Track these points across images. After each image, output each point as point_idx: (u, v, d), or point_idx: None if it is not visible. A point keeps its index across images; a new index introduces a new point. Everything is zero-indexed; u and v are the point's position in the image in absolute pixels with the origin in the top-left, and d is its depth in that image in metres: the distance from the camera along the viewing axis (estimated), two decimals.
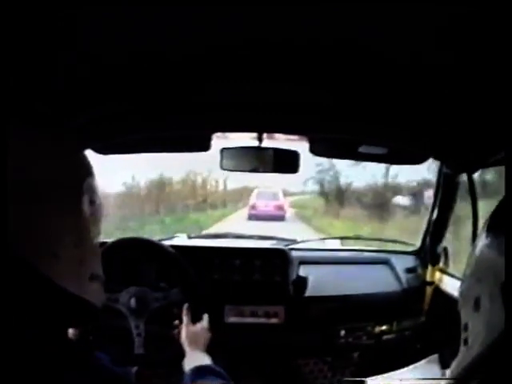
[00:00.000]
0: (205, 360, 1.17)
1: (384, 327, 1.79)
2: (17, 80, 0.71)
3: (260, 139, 1.41)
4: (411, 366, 1.46)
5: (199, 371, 1.09)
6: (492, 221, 0.63)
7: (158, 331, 1.49)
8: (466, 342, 0.63)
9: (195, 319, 1.41)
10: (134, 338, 1.44)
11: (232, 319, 1.72)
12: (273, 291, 1.75)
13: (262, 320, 1.72)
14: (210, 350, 1.28)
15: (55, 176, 0.55)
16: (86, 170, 0.61)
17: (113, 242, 1.57)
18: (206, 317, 1.43)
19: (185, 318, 1.38)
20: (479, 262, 0.63)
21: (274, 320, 1.72)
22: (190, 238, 2.07)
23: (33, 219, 0.53)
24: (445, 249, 1.84)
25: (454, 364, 0.67)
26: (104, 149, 1.37)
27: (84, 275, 0.59)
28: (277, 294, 1.74)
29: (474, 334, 0.61)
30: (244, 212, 12.47)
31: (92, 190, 0.61)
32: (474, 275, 0.63)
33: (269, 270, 1.77)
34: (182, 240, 2.02)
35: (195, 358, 1.19)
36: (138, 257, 1.64)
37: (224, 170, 1.47)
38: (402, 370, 1.44)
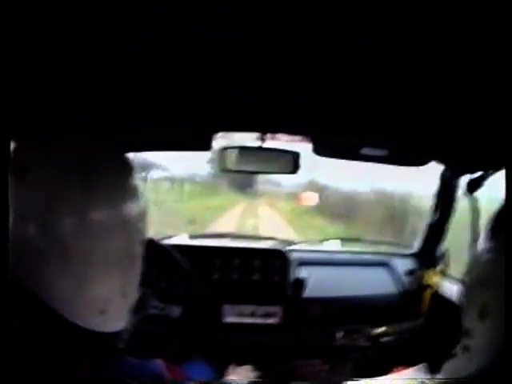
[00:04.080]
0: None
1: (382, 329, 1.79)
2: (16, 80, 0.71)
3: (262, 139, 1.41)
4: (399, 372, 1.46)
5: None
6: (494, 223, 0.62)
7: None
8: (467, 349, 0.62)
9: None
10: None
11: (230, 319, 1.72)
12: (271, 292, 1.75)
13: (261, 320, 1.72)
14: (207, 349, 1.29)
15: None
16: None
17: None
18: None
19: None
20: (483, 266, 0.61)
21: (272, 320, 1.72)
22: (190, 237, 2.07)
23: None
24: (444, 251, 1.84)
25: (448, 369, 0.65)
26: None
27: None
28: (275, 295, 1.74)
29: (478, 343, 0.60)
30: None
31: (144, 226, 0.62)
32: (477, 280, 0.62)
33: (268, 270, 1.77)
34: (182, 239, 2.02)
35: None
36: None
37: (223, 171, 1.47)
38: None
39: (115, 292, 0.58)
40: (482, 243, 0.62)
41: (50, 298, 0.53)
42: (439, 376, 0.67)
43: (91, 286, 0.55)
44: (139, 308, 1.48)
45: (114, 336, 0.60)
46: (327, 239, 2.24)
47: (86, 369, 0.56)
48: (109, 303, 0.57)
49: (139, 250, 0.61)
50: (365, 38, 0.69)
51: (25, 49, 0.67)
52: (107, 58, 0.80)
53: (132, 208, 0.58)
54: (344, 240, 2.27)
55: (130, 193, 0.59)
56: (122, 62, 0.81)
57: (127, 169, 0.61)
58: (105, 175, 0.57)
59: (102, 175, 0.56)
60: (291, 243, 2.06)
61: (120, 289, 0.58)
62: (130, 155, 0.65)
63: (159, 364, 0.68)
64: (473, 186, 1.40)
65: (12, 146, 0.53)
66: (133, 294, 0.61)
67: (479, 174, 1.34)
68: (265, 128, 1.34)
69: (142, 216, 0.61)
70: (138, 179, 0.61)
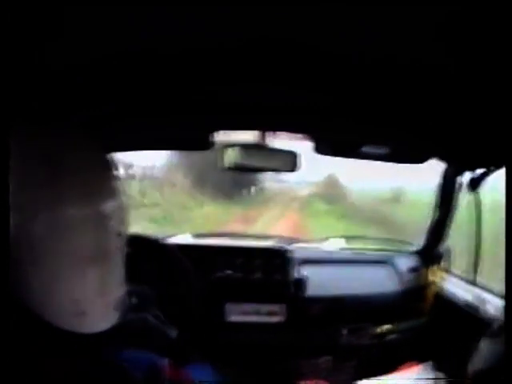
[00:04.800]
0: None
1: (385, 327, 1.80)
2: (16, 80, 0.71)
3: (262, 138, 1.41)
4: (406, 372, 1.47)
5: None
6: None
7: None
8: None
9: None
10: None
11: (233, 318, 1.72)
12: (274, 290, 1.75)
13: (264, 319, 1.72)
14: (211, 348, 1.29)
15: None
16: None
17: None
18: None
19: None
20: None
21: (275, 319, 1.72)
22: (193, 236, 2.08)
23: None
24: (447, 249, 1.84)
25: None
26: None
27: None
28: (278, 293, 1.75)
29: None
30: None
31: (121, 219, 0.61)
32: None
33: (270, 269, 1.78)
34: (184, 238, 2.02)
35: None
36: (138, 254, 1.64)
37: (224, 169, 1.47)
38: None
39: (91, 292, 0.56)
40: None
41: (28, 299, 0.52)
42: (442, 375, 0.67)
43: (65, 286, 0.54)
44: (136, 306, 1.48)
45: (100, 336, 0.59)
46: (330, 237, 2.24)
47: (73, 368, 0.55)
48: (86, 303, 0.56)
49: (115, 247, 0.60)
50: (365, 38, 0.69)
51: (25, 49, 0.67)
52: (107, 58, 0.80)
53: (106, 204, 0.57)
54: (346, 238, 2.27)
55: (104, 189, 0.58)
56: (122, 61, 0.81)
57: (102, 164, 0.60)
58: (76, 170, 0.55)
59: (73, 170, 0.55)
60: (294, 242, 2.06)
61: (97, 288, 0.57)
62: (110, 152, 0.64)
63: (162, 360, 0.67)
64: (475, 184, 1.40)
65: None
66: (112, 293, 0.60)
67: (481, 171, 1.34)
68: (265, 127, 1.34)
69: (118, 212, 0.59)
70: (116, 175, 0.61)
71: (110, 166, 0.61)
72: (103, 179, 0.59)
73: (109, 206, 0.57)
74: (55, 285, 0.53)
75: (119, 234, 0.60)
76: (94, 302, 0.57)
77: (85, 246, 0.55)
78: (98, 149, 0.61)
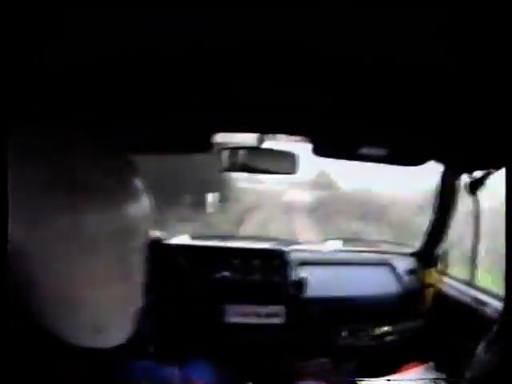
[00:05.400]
0: None
1: (384, 329, 1.80)
2: (16, 80, 0.71)
3: (261, 140, 1.41)
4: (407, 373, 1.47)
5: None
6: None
7: None
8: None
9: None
10: None
11: (232, 319, 1.72)
12: (273, 292, 1.75)
13: (263, 320, 1.72)
14: (209, 349, 1.28)
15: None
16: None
17: None
18: None
19: None
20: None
21: (274, 320, 1.72)
22: (192, 237, 2.08)
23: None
24: (445, 251, 1.84)
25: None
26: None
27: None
28: (277, 295, 1.74)
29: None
30: None
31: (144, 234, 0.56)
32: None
33: (269, 270, 1.78)
34: (184, 239, 2.02)
35: None
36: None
37: (222, 171, 1.48)
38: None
39: (110, 308, 0.53)
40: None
41: (41, 314, 0.49)
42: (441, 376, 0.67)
43: (82, 304, 0.50)
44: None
45: (115, 348, 0.56)
46: (329, 239, 2.25)
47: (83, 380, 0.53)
48: (104, 320, 0.53)
49: (137, 261, 0.56)
50: (365, 38, 0.69)
51: (25, 49, 0.67)
52: (107, 58, 0.80)
53: (129, 214, 0.52)
54: (345, 240, 2.28)
55: (126, 197, 0.53)
56: (122, 61, 0.81)
57: (123, 169, 0.55)
58: (95, 176, 0.50)
59: (91, 177, 0.50)
60: (292, 243, 2.06)
61: (116, 304, 0.53)
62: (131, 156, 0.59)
63: (174, 371, 0.66)
64: (474, 186, 1.40)
65: None
66: (130, 308, 0.57)
67: (479, 173, 1.34)
68: (265, 128, 1.35)
69: (142, 222, 0.55)
70: (138, 180, 0.56)
71: (132, 171, 0.56)
72: (125, 186, 0.54)
73: (132, 215, 0.53)
74: (71, 301, 0.50)
75: (142, 247, 0.56)
76: (112, 318, 0.54)
77: (105, 261, 0.50)
78: (119, 152, 0.57)
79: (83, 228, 0.48)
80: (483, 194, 1.43)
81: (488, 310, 1.40)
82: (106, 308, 0.53)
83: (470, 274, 1.61)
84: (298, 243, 2.12)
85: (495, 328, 1.10)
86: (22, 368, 0.48)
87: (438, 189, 1.77)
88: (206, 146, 1.38)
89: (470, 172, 1.43)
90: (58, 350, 0.52)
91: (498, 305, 1.37)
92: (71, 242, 0.48)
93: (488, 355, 1.07)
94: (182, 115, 1.17)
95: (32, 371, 0.50)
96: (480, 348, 1.10)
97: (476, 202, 1.49)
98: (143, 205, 0.55)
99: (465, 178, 1.49)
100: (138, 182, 0.56)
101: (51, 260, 0.47)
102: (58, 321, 0.50)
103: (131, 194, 0.54)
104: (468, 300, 1.52)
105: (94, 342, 0.53)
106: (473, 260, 1.57)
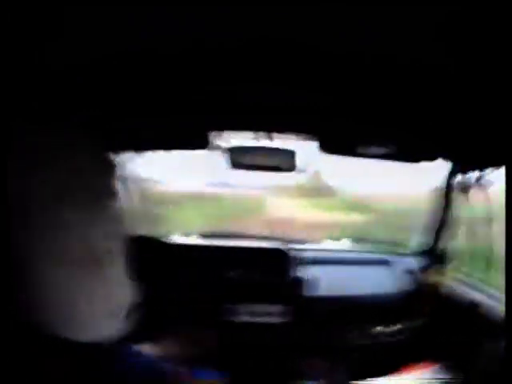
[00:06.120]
0: None
1: (384, 328, 1.79)
2: (16, 80, 0.71)
3: (261, 138, 1.42)
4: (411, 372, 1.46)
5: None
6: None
7: None
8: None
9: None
10: None
11: (234, 318, 1.72)
12: (275, 291, 1.75)
13: (264, 319, 1.72)
14: (210, 348, 1.29)
15: None
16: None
17: None
18: None
19: None
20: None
21: (274, 319, 1.72)
22: (196, 236, 2.08)
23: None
24: (446, 251, 1.84)
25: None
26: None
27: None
28: (279, 294, 1.74)
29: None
30: None
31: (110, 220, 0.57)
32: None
33: (271, 269, 1.78)
34: (184, 238, 2.02)
35: None
36: (142, 254, 1.65)
37: (233, 168, 1.52)
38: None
39: (87, 296, 0.53)
40: None
41: (21, 303, 0.50)
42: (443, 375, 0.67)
43: (58, 289, 0.51)
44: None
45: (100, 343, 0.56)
46: (331, 238, 2.25)
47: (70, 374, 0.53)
48: (81, 309, 0.53)
49: (112, 249, 0.57)
50: (365, 38, 0.69)
51: (25, 49, 0.67)
52: (107, 58, 0.80)
53: (100, 204, 0.55)
54: (347, 239, 2.27)
55: (100, 189, 0.56)
56: (122, 61, 0.81)
57: (101, 164, 0.58)
58: (72, 170, 0.53)
59: (69, 170, 0.53)
60: (295, 242, 2.06)
61: (93, 293, 0.54)
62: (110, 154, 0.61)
63: (166, 366, 0.66)
64: (477, 185, 1.40)
65: None
66: (113, 300, 0.57)
67: (483, 171, 1.34)
68: (265, 128, 1.35)
69: (114, 212, 0.57)
70: (114, 175, 0.59)
71: (108, 166, 0.59)
72: (100, 179, 0.57)
73: (104, 206, 0.55)
74: (48, 288, 0.51)
75: (115, 236, 0.58)
76: (91, 307, 0.54)
77: (77, 248, 0.52)
78: (97, 148, 0.59)
79: (55, 218, 0.50)
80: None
81: (490, 310, 1.40)
82: (81, 295, 0.53)
83: (473, 274, 1.61)
84: (300, 242, 2.11)
85: (497, 327, 1.10)
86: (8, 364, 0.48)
87: (441, 188, 1.77)
88: (206, 144, 1.39)
89: (473, 170, 1.42)
90: (45, 345, 0.52)
91: (499, 304, 1.37)
92: (45, 230, 0.50)
93: (491, 354, 1.07)
94: (182, 115, 1.17)
95: (18, 367, 0.50)
96: (483, 347, 1.10)
97: (488, 201, 1.46)
98: (113, 198, 0.57)
99: (464, 178, 1.49)
100: (110, 178, 0.58)
101: (29, 247, 0.49)
102: (38, 312, 0.51)
103: (102, 188, 0.56)
104: (469, 300, 1.52)
105: (74, 333, 0.53)
106: (488, 260, 1.55)
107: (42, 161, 0.52)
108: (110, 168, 0.59)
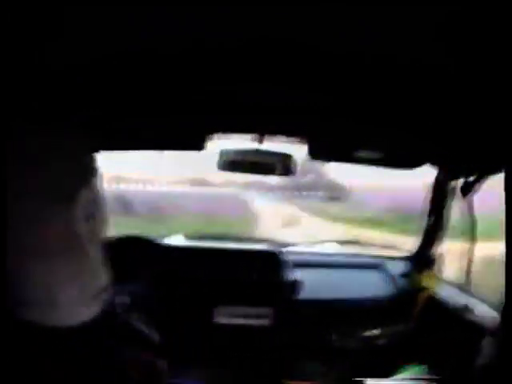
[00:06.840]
0: None
1: (376, 331, 1.79)
2: (16, 80, 0.71)
3: (259, 141, 1.41)
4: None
5: None
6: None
7: None
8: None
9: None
10: None
11: (222, 320, 1.71)
12: (265, 293, 1.74)
13: (253, 322, 1.72)
14: (198, 351, 1.28)
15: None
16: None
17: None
18: None
19: None
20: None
21: (264, 321, 1.72)
22: (186, 238, 2.07)
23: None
24: (439, 255, 1.84)
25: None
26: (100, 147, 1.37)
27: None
28: (269, 296, 1.74)
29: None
30: None
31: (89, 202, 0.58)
32: None
33: (262, 272, 1.77)
34: (177, 240, 2.01)
35: None
36: (132, 254, 1.65)
37: (221, 170, 1.49)
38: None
39: (61, 280, 0.53)
40: None
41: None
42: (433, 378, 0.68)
43: (33, 275, 0.51)
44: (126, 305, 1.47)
45: (74, 331, 0.56)
46: (323, 241, 2.25)
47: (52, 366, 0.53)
48: (56, 292, 0.53)
49: (85, 232, 0.56)
50: (365, 38, 0.70)
51: (25, 49, 0.67)
52: (107, 58, 0.80)
53: (73, 190, 0.55)
54: (339, 242, 2.27)
55: (73, 176, 0.56)
56: (122, 61, 0.81)
57: (75, 153, 0.58)
58: (46, 160, 0.53)
59: (42, 160, 0.53)
60: (286, 245, 2.06)
61: (67, 276, 0.54)
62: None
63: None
64: (466, 190, 1.40)
65: None
66: (88, 284, 0.57)
67: (475, 176, 1.34)
68: (264, 128, 1.35)
69: (87, 196, 0.57)
70: (90, 163, 0.59)
71: (83, 156, 0.59)
72: (74, 167, 0.57)
73: (77, 191, 0.55)
74: (24, 274, 0.51)
75: (89, 219, 0.57)
76: (66, 291, 0.54)
77: (50, 232, 0.52)
78: (73, 140, 0.59)
79: (30, 205, 0.51)
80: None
81: (480, 314, 1.40)
82: (55, 279, 0.53)
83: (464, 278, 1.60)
84: (292, 245, 2.11)
85: (490, 330, 1.10)
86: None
87: (432, 191, 1.77)
88: (204, 145, 1.39)
89: (467, 174, 1.42)
90: (19, 330, 0.52)
91: (488, 310, 1.37)
92: (20, 217, 0.51)
93: (483, 356, 1.07)
94: (182, 115, 1.17)
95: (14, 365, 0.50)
96: (475, 349, 1.10)
97: (470, 205, 1.47)
98: (87, 184, 0.57)
99: (460, 181, 1.49)
100: (85, 165, 0.58)
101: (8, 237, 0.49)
102: (14, 296, 0.51)
103: (76, 176, 0.56)
104: (460, 304, 1.52)
105: (50, 318, 0.54)
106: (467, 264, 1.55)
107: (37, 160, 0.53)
108: (84, 157, 0.59)
